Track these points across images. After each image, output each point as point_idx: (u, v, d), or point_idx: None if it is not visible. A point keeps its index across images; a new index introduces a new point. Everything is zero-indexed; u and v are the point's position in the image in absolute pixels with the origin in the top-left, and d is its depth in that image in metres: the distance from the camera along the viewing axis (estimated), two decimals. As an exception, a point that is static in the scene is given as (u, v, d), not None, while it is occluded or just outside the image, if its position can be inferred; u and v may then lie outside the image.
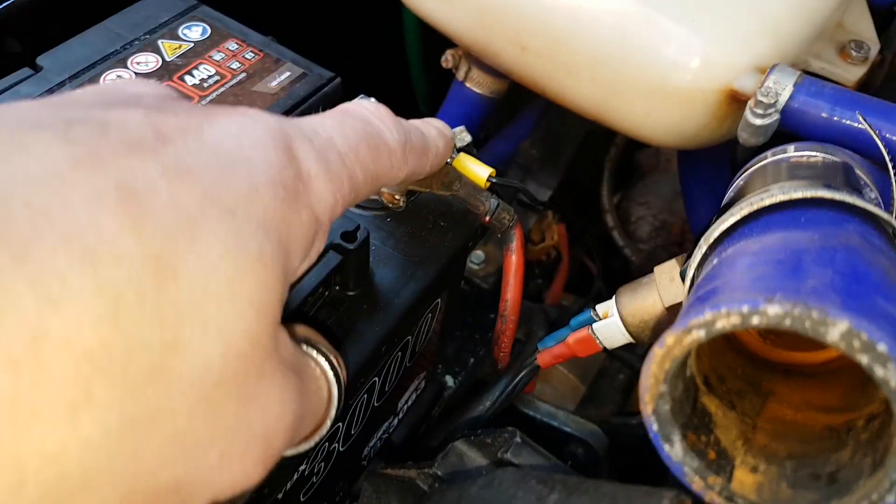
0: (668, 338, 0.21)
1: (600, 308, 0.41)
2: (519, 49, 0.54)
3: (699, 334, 0.21)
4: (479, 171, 0.43)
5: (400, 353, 0.47)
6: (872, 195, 0.36)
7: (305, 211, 0.25)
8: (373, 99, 0.41)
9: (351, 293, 0.41)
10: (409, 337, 0.47)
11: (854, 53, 0.57)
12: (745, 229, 0.27)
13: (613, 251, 0.93)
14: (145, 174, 0.20)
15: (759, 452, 0.24)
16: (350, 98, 0.49)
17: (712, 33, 0.47)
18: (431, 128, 0.38)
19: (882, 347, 0.18)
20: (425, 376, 0.57)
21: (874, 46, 0.57)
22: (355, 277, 0.41)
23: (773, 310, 0.19)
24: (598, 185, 0.92)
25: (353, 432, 0.46)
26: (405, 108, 0.80)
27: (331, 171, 0.26)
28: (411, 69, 0.88)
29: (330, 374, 0.30)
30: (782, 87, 0.45)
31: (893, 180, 0.38)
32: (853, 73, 0.56)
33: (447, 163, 0.44)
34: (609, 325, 0.39)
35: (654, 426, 0.23)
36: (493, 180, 0.43)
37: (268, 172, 0.23)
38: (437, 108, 0.96)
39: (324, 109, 0.47)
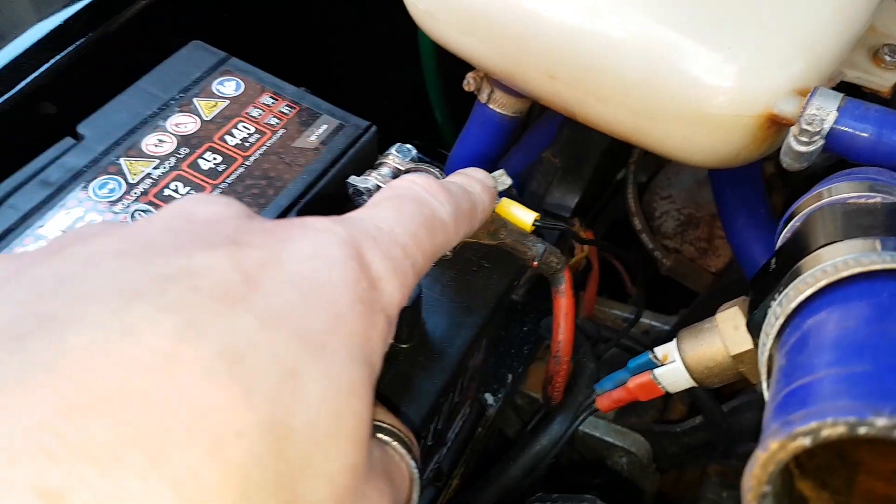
0: (773, 444, 0.22)
1: (659, 351, 0.41)
2: (547, 77, 0.54)
3: (804, 441, 0.21)
4: (523, 217, 0.43)
5: (452, 394, 0.47)
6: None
7: (380, 316, 0.25)
8: (420, 170, 0.41)
9: (404, 346, 0.41)
10: (461, 379, 0.47)
11: (888, 59, 0.56)
12: (822, 301, 0.27)
13: (640, 251, 0.92)
14: (244, 331, 0.21)
15: (856, 534, 0.24)
16: (383, 144, 0.49)
17: (747, 58, 0.47)
18: (475, 182, 0.38)
19: None
20: (471, 404, 0.58)
21: (908, 49, 0.56)
22: (409, 331, 0.41)
23: (882, 422, 0.20)
24: (623, 186, 0.92)
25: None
26: (425, 131, 0.79)
27: (397, 269, 0.27)
28: (429, 93, 0.87)
29: (408, 458, 0.30)
30: (826, 113, 0.45)
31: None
32: (888, 80, 0.56)
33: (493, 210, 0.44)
34: (673, 370, 0.39)
35: (754, 517, 0.23)
36: (538, 224, 0.43)
37: (347, 293, 0.24)
38: (457, 130, 0.96)
39: (361, 159, 0.47)
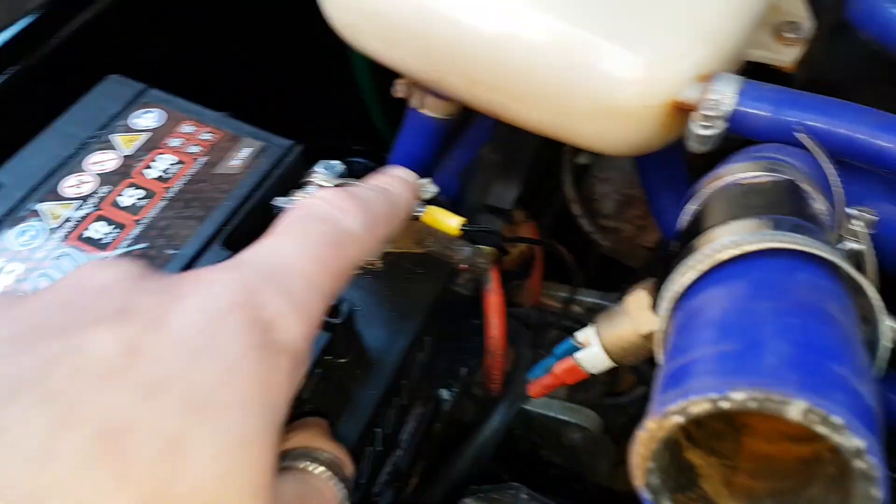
0: (650, 423, 0.24)
1: (580, 335, 0.43)
2: (469, 83, 0.55)
3: (678, 419, 0.23)
4: (450, 223, 0.44)
5: (397, 399, 0.48)
6: (819, 207, 0.38)
7: (282, 357, 0.25)
8: (335, 178, 0.42)
9: (342, 361, 0.43)
10: (405, 381, 0.49)
11: (789, 35, 0.59)
12: (703, 283, 0.29)
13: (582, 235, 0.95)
14: (123, 407, 0.21)
15: (741, 495, 0.26)
16: (311, 159, 0.50)
17: (650, 50, 0.48)
18: (394, 180, 0.38)
19: (837, 419, 0.21)
20: (424, 402, 0.59)
21: (807, 23, 0.59)
22: (345, 346, 0.42)
23: (738, 396, 0.22)
24: (559, 172, 0.94)
25: (362, 481, 0.48)
26: (365, 136, 0.80)
27: (297, 302, 0.26)
28: (366, 99, 0.88)
29: (332, 482, 0.31)
30: (726, 97, 0.47)
31: (834, 182, 0.40)
32: (790, 55, 0.58)
33: (416, 218, 0.45)
34: (593, 353, 0.41)
35: (647, 495, 0.25)
36: (466, 228, 0.45)
37: (237, 343, 0.24)
38: (396, 132, 0.97)
39: (286, 179, 0.48)
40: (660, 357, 0.33)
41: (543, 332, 0.70)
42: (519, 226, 0.85)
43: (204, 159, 0.47)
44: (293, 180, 0.48)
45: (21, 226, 0.42)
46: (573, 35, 0.49)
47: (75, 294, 0.25)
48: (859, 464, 0.21)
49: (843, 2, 0.58)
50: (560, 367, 0.42)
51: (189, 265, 0.42)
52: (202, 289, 0.25)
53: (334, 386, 0.42)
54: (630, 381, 0.80)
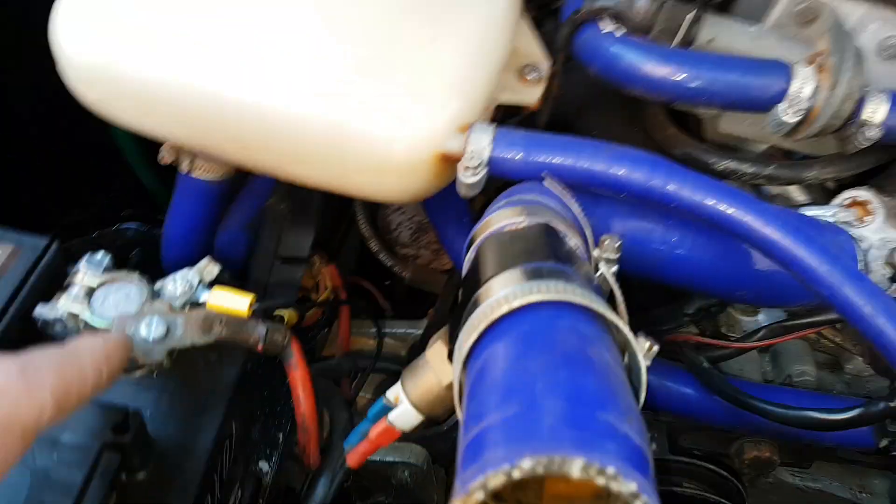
0: (457, 500, 0.25)
1: (390, 394, 0.44)
2: (240, 146, 0.54)
3: (479, 495, 0.25)
4: (238, 304, 0.44)
5: (209, 494, 0.46)
6: (574, 243, 0.43)
7: None
8: None
9: (141, 476, 0.40)
10: (215, 474, 0.46)
11: (530, 76, 0.65)
12: (485, 340, 0.32)
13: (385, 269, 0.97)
14: None
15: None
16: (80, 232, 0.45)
17: (409, 109, 0.51)
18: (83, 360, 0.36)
19: (610, 470, 0.24)
20: (241, 482, 0.57)
21: (545, 64, 0.66)
22: (141, 461, 0.40)
23: (527, 464, 0.24)
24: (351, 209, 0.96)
25: None
26: (136, 199, 0.74)
27: None
28: (132, 165, 0.82)
29: None
30: (482, 147, 0.51)
31: (578, 215, 0.46)
32: (533, 94, 0.65)
33: (203, 304, 0.44)
34: (404, 411, 0.42)
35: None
36: (255, 307, 0.44)
37: None
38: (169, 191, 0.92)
39: (48, 281, 0.44)
40: (459, 414, 0.35)
41: (361, 378, 0.71)
42: (318, 271, 0.85)
43: (-57, 275, 0.42)
44: (58, 278, 0.44)
45: None
46: (342, 98, 0.50)
47: None
48: (637, 502, 0.24)
49: (570, 41, 0.66)
50: (375, 431, 0.43)
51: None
52: None
53: (150, 496, 0.39)
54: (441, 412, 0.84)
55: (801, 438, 0.64)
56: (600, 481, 0.24)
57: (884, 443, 0.62)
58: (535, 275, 0.36)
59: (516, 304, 0.32)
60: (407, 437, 0.74)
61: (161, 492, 0.39)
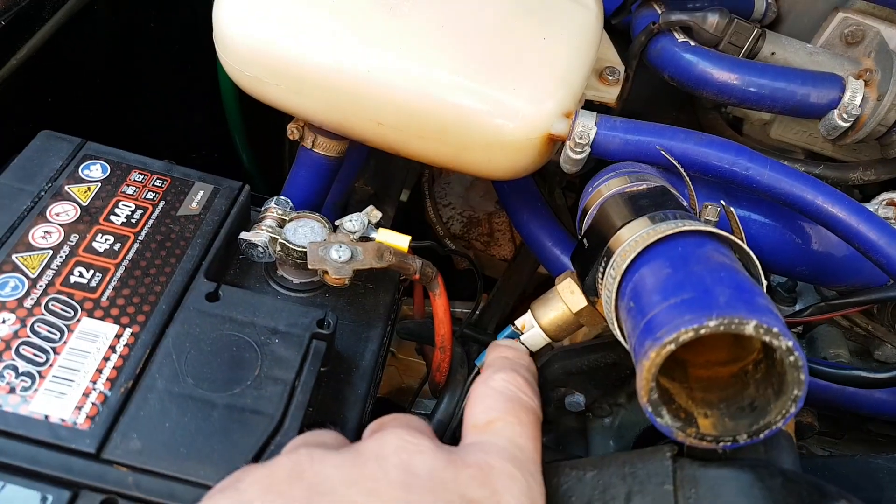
0: (651, 353, 0.34)
1: (518, 322, 0.53)
2: (375, 125, 0.63)
3: (671, 347, 0.33)
4: (399, 241, 0.52)
5: (372, 393, 0.54)
6: (684, 203, 0.52)
7: None
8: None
9: (324, 369, 0.48)
10: (379, 373, 0.54)
11: (610, 78, 0.75)
12: (639, 263, 0.41)
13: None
14: None
15: (702, 404, 0.37)
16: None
17: (527, 95, 0.61)
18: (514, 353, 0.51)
19: (776, 330, 0.33)
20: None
21: (621, 68, 0.75)
22: (328, 357, 0.48)
23: (713, 323, 0.33)
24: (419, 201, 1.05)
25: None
26: (233, 172, 0.83)
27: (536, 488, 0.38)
28: (235, 138, 0.91)
29: None
30: (588, 128, 0.61)
31: (689, 186, 0.55)
32: (612, 93, 0.74)
33: (373, 238, 0.52)
34: (534, 334, 0.51)
35: (649, 409, 0.35)
36: (412, 245, 0.52)
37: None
38: (263, 173, 1.01)
39: (243, 216, 0.52)
40: (609, 324, 0.44)
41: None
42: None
43: (162, 204, 0.50)
44: (248, 215, 0.52)
45: (0, 278, 0.42)
46: (469, 87, 0.60)
47: (412, 477, 0.34)
48: (790, 357, 0.33)
49: (645, 50, 0.76)
50: (508, 349, 0.51)
51: (179, 298, 0.45)
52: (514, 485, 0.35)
53: (324, 393, 0.47)
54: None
55: (842, 406, 0.73)
56: (767, 338, 0.33)
57: (914, 413, 0.70)
58: (665, 218, 0.44)
59: (670, 231, 0.41)
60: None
61: (339, 383, 0.47)
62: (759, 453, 0.39)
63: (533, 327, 0.52)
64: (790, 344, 0.33)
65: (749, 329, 0.33)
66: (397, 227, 1.01)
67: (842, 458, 0.62)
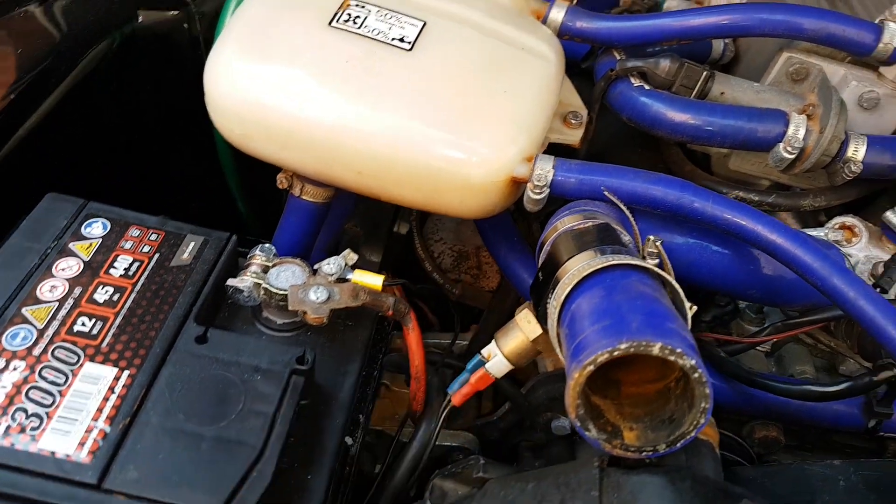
0: (575, 373, 0.39)
1: (484, 351, 0.58)
2: (355, 174, 0.69)
3: (591, 368, 0.38)
4: (373, 281, 0.58)
5: (353, 425, 0.58)
6: (626, 239, 0.57)
7: None
8: None
9: (304, 402, 0.53)
10: (361, 416, 0.59)
11: (573, 121, 0.81)
12: (575, 294, 0.46)
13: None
14: None
15: (629, 418, 0.42)
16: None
17: (492, 143, 0.66)
18: None
19: (679, 350, 0.38)
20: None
21: (584, 112, 0.81)
22: (307, 390, 0.53)
23: (624, 345, 0.38)
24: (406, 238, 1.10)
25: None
26: (232, 219, 0.89)
27: None
28: (232, 189, 0.98)
29: None
30: (546, 171, 0.66)
31: (632, 221, 0.60)
32: (576, 136, 0.80)
33: (349, 279, 0.58)
34: (497, 363, 0.56)
35: (577, 423, 0.40)
36: (385, 283, 0.58)
37: None
38: (261, 218, 1.07)
39: (230, 264, 0.58)
40: (557, 350, 0.49)
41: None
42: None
43: (157, 256, 0.56)
44: (235, 263, 0.58)
45: (11, 330, 0.48)
46: (439, 137, 0.66)
47: None
48: (695, 374, 0.38)
49: (605, 94, 0.82)
50: (475, 377, 0.56)
51: (172, 342, 0.50)
52: None
53: (308, 422, 0.52)
54: (489, 407, 0.96)
55: (803, 420, 0.77)
56: (671, 357, 0.38)
57: (872, 423, 0.74)
58: (603, 252, 0.50)
59: (599, 266, 0.46)
60: (462, 426, 0.87)
61: (318, 414, 0.52)
62: (681, 461, 0.43)
63: (496, 356, 0.57)
64: (693, 363, 0.38)
65: (655, 350, 0.38)
66: (398, 258, 1.07)
67: (779, 466, 0.66)
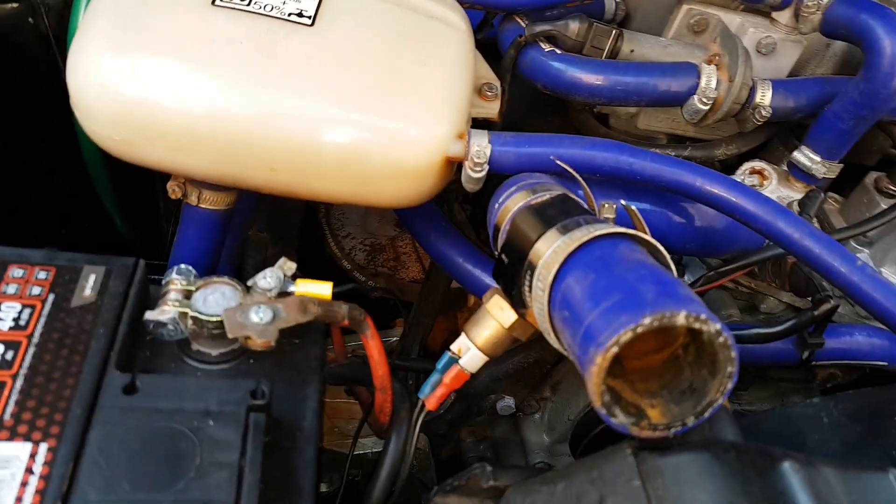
0: (598, 358, 0.35)
1: (454, 347, 0.53)
2: (267, 171, 0.61)
3: (615, 350, 0.35)
4: (322, 290, 0.51)
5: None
6: (586, 206, 0.54)
7: None
8: None
9: (266, 439, 0.46)
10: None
11: (489, 94, 0.76)
12: (566, 268, 0.42)
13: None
14: None
15: (646, 395, 0.39)
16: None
17: (422, 122, 0.61)
18: None
19: (703, 316, 0.35)
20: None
21: (497, 83, 0.77)
22: (268, 427, 0.45)
23: (648, 320, 0.34)
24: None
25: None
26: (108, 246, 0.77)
27: None
28: (108, 208, 0.85)
29: None
30: (483, 146, 0.62)
31: (585, 189, 0.57)
32: (494, 109, 0.76)
33: (292, 292, 0.51)
34: (472, 357, 0.51)
35: (603, 411, 0.36)
36: (335, 291, 0.51)
37: None
38: (143, 236, 0.95)
39: (143, 294, 0.49)
40: (550, 336, 0.45)
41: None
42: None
43: (51, 297, 0.46)
44: (148, 292, 0.49)
45: None
46: (361, 120, 0.59)
47: None
48: (720, 339, 0.35)
49: (516, 62, 0.79)
50: (449, 376, 0.51)
51: (93, 398, 0.41)
52: None
53: (274, 463, 0.45)
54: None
55: (747, 361, 0.78)
56: (696, 325, 0.35)
57: (805, 354, 0.77)
58: (577, 224, 0.46)
59: (585, 238, 0.43)
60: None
61: (284, 451, 0.45)
62: (706, 432, 0.41)
63: (469, 349, 0.52)
64: (718, 327, 0.35)
65: (680, 320, 0.34)
66: (303, 261, 0.98)
67: (763, 413, 0.67)
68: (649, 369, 0.40)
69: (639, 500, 0.35)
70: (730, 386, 0.36)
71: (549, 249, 0.45)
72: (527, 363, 0.81)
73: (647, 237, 0.44)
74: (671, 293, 0.36)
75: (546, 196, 0.53)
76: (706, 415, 0.37)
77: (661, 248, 0.44)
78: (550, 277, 0.43)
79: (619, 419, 0.36)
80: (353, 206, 1.10)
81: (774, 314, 0.92)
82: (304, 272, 0.95)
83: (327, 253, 1.02)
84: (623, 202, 0.49)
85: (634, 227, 0.47)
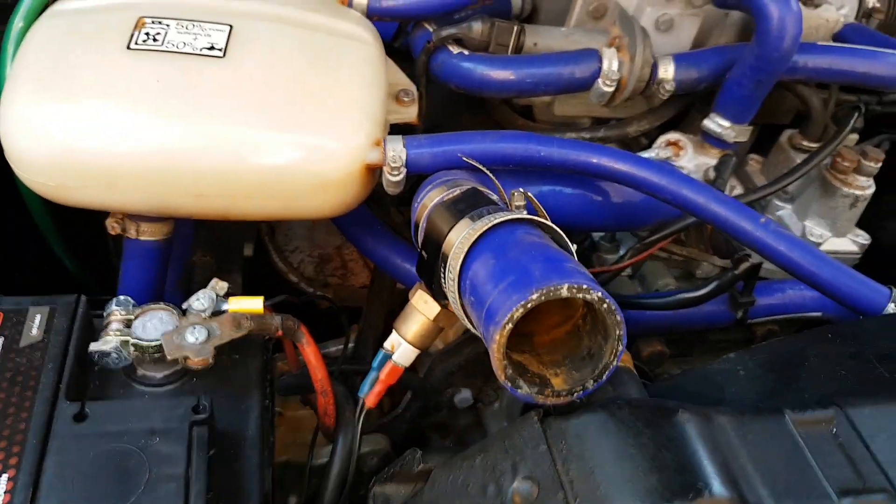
0: (496, 335, 0.39)
1: (387, 344, 0.57)
2: (194, 198, 0.64)
3: (510, 326, 0.39)
4: (252, 305, 0.54)
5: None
6: (494, 198, 0.58)
7: None
8: None
9: (212, 451, 0.49)
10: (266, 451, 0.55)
11: (406, 99, 0.80)
12: (468, 262, 0.46)
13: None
14: None
15: (550, 366, 0.43)
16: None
17: (337, 135, 0.65)
18: None
19: (584, 286, 0.39)
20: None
21: (413, 88, 0.81)
22: (213, 439, 0.48)
23: (535, 295, 0.38)
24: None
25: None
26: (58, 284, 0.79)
27: None
28: (54, 248, 0.87)
29: None
30: (399, 151, 0.66)
31: (494, 180, 0.61)
32: (412, 113, 0.80)
33: (225, 310, 0.54)
34: (404, 352, 0.55)
35: (508, 384, 0.40)
36: (266, 304, 0.55)
37: None
38: (92, 273, 0.96)
39: (88, 328, 0.52)
40: (465, 321, 0.48)
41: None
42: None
43: (1, 340, 0.48)
44: (93, 325, 0.52)
45: None
46: (280, 140, 0.63)
47: None
48: (604, 305, 0.39)
49: (428, 66, 0.82)
50: (384, 373, 0.55)
51: (47, 429, 0.44)
52: None
53: (222, 472, 0.48)
54: (388, 403, 0.95)
55: (682, 326, 0.83)
56: (580, 295, 0.39)
57: (739, 314, 0.82)
58: (481, 215, 0.50)
59: (484, 228, 0.47)
60: (370, 429, 0.85)
61: (231, 460, 0.48)
62: (609, 393, 0.45)
63: (401, 345, 0.56)
64: (600, 294, 0.39)
65: (563, 292, 0.39)
66: (246, 283, 1.01)
67: (684, 373, 0.72)
68: (555, 342, 0.44)
69: (546, 461, 0.39)
70: (621, 348, 0.40)
71: (458, 240, 0.49)
72: (477, 354, 0.85)
73: (543, 220, 0.48)
74: (557, 269, 0.41)
75: (457, 191, 0.57)
76: (604, 378, 0.41)
77: (556, 228, 0.48)
78: (458, 266, 0.47)
79: (524, 390, 0.40)
80: (296, 220, 1.13)
81: (710, 277, 0.97)
82: (258, 290, 0.99)
83: (275, 269, 1.05)
84: (521, 189, 0.53)
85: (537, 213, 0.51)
